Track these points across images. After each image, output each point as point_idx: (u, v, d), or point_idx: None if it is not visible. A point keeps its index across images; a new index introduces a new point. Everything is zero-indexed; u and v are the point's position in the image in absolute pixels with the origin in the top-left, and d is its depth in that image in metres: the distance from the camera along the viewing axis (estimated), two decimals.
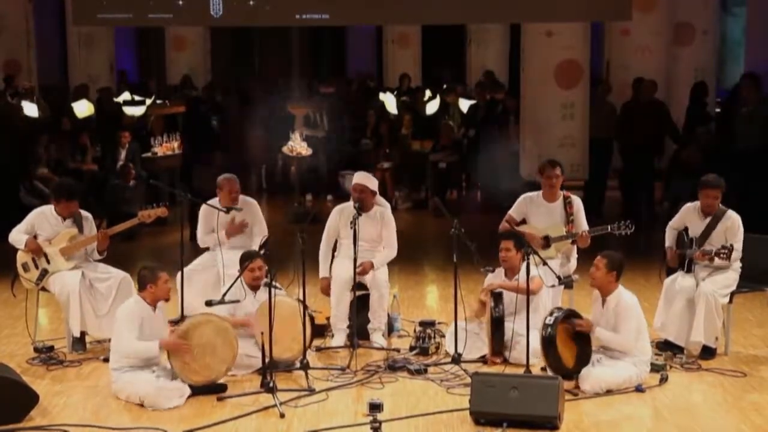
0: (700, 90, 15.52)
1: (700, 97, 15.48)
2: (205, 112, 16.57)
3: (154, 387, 7.49)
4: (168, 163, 15.14)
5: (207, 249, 9.42)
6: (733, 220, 8.53)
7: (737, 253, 8.46)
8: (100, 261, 8.96)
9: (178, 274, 8.83)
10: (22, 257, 8.81)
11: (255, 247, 8.93)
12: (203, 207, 9.35)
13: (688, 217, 8.71)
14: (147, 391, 7.46)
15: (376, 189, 9.08)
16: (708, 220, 8.57)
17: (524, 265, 7.89)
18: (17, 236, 8.78)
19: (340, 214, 9.04)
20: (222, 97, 18.05)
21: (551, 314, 7.79)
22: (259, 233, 9.24)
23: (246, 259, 8.33)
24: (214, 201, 9.30)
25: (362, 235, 8.70)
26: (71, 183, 9.44)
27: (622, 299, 7.82)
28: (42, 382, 8.01)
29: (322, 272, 9.05)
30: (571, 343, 7.79)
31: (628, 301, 7.82)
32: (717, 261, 8.40)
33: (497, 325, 8.29)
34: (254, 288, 8.32)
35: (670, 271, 8.82)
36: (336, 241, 9.13)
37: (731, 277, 8.56)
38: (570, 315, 7.85)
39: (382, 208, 9.12)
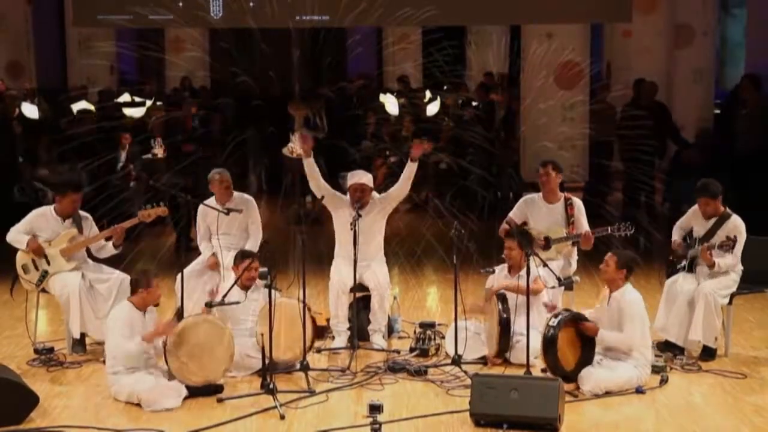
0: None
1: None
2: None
3: (152, 387, 7.49)
4: (168, 165, 15.09)
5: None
6: (736, 225, 8.52)
7: (735, 259, 8.46)
8: (101, 261, 8.97)
9: (178, 276, 8.81)
10: (21, 259, 8.80)
11: (250, 245, 8.95)
12: (200, 209, 9.33)
13: (694, 217, 8.72)
14: (144, 391, 7.46)
15: (372, 184, 9.07)
16: (712, 221, 8.57)
17: (526, 266, 7.90)
18: (17, 236, 8.76)
19: (341, 203, 8.97)
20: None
21: (556, 315, 7.80)
22: (254, 232, 9.24)
23: (242, 258, 8.33)
24: (212, 201, 9.29)
25: (362, 232, 8.68)
26: (74, 177, 9.46)
27: (626, 297, 7.83)
28: (42, 383, 8.00)
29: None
30: (576, 346, 7.79)
31: (633, 299, 7.83)
32: (719, 260, 8.39)
33: (506, 327, 8.28)
34: (246, 288, 8.32)
35: (671, 273, 8.83)
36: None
37: (732, 278, 8.57)
38: (576, 318, 7.86)
39: (375, 199, 9.07)
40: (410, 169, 8.81)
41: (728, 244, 8.31)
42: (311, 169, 8.83)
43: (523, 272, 8.01)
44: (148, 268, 8.04)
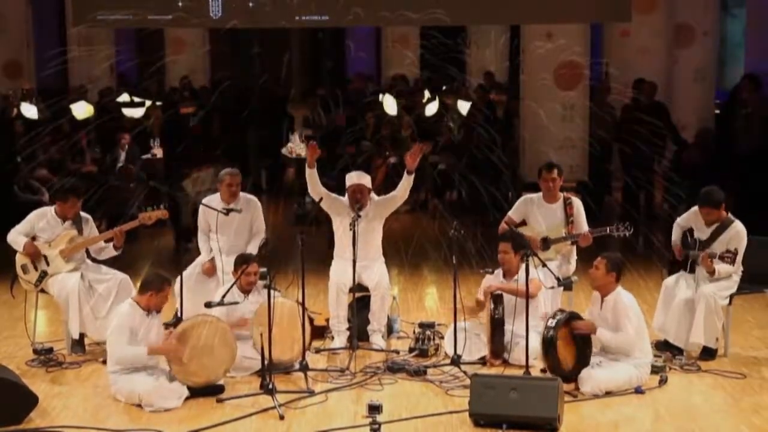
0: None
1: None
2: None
3: (152, 387, 7.49)
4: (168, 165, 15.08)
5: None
6: (738, 231, 8.49)
7: (735, 266, 8.42)
8: (101, 262, 8.97)
9: (177, 277, 8.81)
10: (21, 259, 8.81)
11: (252, 246, 8.93)
12: (200, 210, 9.32)
13: (695, 219, 8.69)
14: (145, 392, 7.47)
15: (371, 185, 9.06)
16: (714, 227, 8.54)
17: (523, 267, 7.89)
18: (16, 238, 8.77)
19: (340, 206, 8.98)
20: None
21: (554, 316, 7.80)
22: (257, 232, 9.22)
23: (241, 262, 8.32)
24: (212, 199, 9.27)
25: (361, 233, 8.68)
26: (77, 182, 9.49)
27: (620, 299, 7.83)
28: (41, 383, 8.01)
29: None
30: (572, 346, 7.80)
31: (627, 301, 7.83)
32: (719, 266, 8.37)
33: (497, 327, 8.30)
34: (246, 291, 8.31)
35: (672, 272, 8.82)
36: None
37: (732, 279, 8.55)
38: (572, 317, 7.86)
39: (374, 200, 9.06)
40: (407, 181, 8.82)
41: (729, 257, 8.26)
42: (312, 178, 8.82)
43: (519, 276, 8.00)
44: (165, 274, 8.02)
